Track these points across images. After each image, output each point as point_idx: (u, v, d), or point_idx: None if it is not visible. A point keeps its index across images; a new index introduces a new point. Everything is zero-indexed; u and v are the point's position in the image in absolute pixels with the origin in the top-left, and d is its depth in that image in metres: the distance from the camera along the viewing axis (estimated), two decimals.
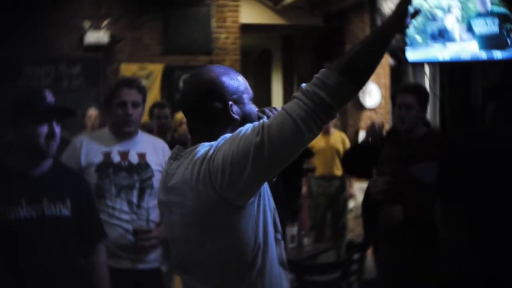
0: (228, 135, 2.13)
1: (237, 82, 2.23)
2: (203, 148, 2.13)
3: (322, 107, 1.96)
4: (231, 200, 2.05)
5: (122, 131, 3.71)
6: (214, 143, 2.13)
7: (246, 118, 2.22)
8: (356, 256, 5.74)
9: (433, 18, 6.18)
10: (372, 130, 4.40)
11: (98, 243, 3.15)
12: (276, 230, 2.27)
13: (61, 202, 2.93)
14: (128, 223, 3.61)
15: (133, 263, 3.66)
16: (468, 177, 1.34)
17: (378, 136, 4.41)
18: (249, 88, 2.27)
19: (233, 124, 2.20)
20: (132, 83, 3.72)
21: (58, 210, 2.91)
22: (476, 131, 1.40)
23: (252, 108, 2.28)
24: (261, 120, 2.05)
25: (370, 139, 4.47)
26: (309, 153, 7.51)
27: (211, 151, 2.08)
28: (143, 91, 3.73)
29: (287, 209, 7.05)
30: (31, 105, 2.85)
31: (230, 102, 2.19)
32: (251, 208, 2.12)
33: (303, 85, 2.03)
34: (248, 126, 2.06)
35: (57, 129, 2.89)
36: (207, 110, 2.19)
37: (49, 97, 2.91)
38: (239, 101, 2.21)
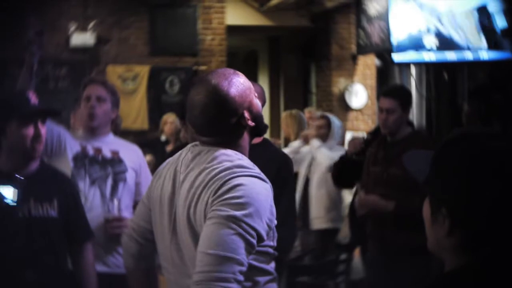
0: (239, 171, 2.08)
1: (242, 87, 2.19)
2: (222, 159, 2.11)
3: None
4: None
5: (87, 126, 3.66)
6: (234, 164, 2.10)
7: (257, 117, 2.24)
8: (343, 256, 5.75)
9: None
10: (353, 144, 4.57)
11: (85, 243, 3.14)
12: None
13: (48, 203, 2.92)
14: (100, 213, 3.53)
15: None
16: (459, 179, 1.33)
17: (358, 150, 4.61)
18: (250, 83, 2.25)
19: (248, 129, 2.22)
20: (96, 79, 3.70)
21: (45, 210, 2.90)
22: (470, 131, 1.39)
23: (258, 102, 2.27)
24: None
25: (350, 153, 4.79)
26: None
27: (223, 189, 2.04)
28: (110, 89, 3.68)
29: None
30: (14, 107, 2.85)
31: (244, 112, 2.19)
32: None
33: None
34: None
35: (43, 131, 2.89)
36: (223, 127, 2.17)
37: (33, 98, 2.91)
38: (249, 106, 2.21)
